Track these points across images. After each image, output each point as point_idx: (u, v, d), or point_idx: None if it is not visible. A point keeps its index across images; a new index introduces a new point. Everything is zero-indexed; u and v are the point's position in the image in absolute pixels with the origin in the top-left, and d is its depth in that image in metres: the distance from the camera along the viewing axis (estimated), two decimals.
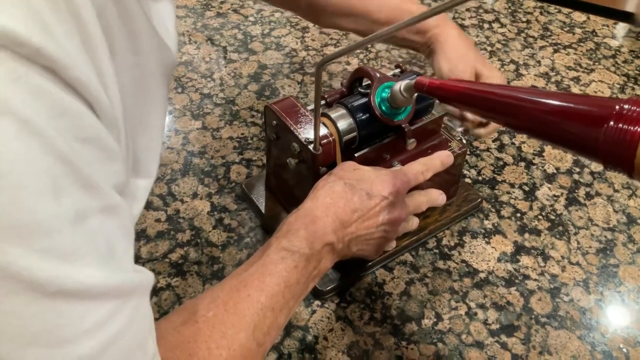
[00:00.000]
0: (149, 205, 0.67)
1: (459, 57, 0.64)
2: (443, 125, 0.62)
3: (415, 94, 0.50)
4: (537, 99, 0.39)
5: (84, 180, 0.26)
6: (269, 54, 0.90)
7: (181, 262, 0.61)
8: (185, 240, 0.63)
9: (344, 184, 0.50)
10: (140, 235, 0.64)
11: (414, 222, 0.56)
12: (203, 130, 0.77)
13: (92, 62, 0.27)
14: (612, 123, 0.33)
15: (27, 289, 0.24)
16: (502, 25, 0.98)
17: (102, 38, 0.28)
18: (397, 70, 0.60)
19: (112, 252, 0.28)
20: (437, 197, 0.56)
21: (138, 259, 0.61)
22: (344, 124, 0.53)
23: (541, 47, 0.93)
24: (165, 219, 0.65)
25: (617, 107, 0.33)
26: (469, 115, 0.63)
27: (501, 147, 0.76)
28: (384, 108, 0.53)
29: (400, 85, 0.50)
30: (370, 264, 0.60)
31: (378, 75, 0.53)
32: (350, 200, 0.49)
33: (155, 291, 0.58)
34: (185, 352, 0.37)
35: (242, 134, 0.76)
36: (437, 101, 0.59)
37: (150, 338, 0.32)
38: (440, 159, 0.55)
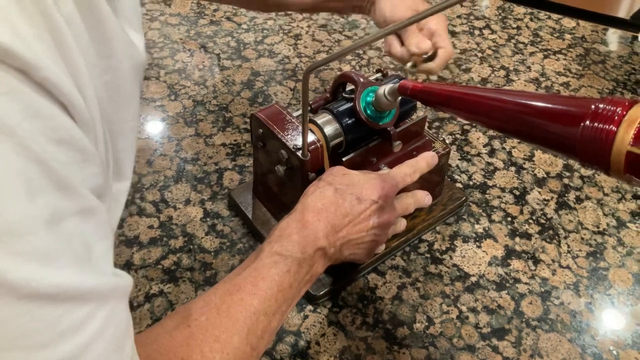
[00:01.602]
0: (141, 212, 0.67)
1: (400, 1, 0.64)
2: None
3: (399, 97, 0.51)
4: (518, 100, 0.40)
5: (59, 181, 0.26)
6: (261, 61, 0.90)
7: (174, 268, 0.62)
8: (178, 246, 0.64)
9: (334, 189, 0.50)
10: (133, 241, 0.64)
11: (402, 224, 0.57)
12: (196, 137, 0.77)
13: (65, 64, 0.27)
14: (588, 122, 0.34)
15: (1, 292, 0.23)
16: (493, 32, 0.99)
17: (75, 41, 0.28)
18: (379, 75, 0.60)
19: (88, 255, 0.28)
20: (423, 198, 0.57)
21: (131, 266, 0.61)
22: (330, 129, 0.54)
23: (531, 53, 0.94)
24: (158, 226, 0.66)
25: (593, 106, 0.34)
26: (413, 48, 0.63)
27: (492, 152, 0.77)
28: (369, 112, 0.53)
29: (385, 89, 0.51)
30: (361, 266, 0.61)
31: (362, 80, 0.54)
32: (341, 205, 0.50)
33: (148, 297, 0.59)
34: (178, 356, 0.37)
35: (235, 140, 0.77)
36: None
37: (127, 342, 0.31)
38: (426, 160, 0.56)
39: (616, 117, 0.33)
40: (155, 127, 0.78)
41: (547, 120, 0.37)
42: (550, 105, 0.38)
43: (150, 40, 0.94)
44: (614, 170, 0.34)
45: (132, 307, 0.58)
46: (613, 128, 0.33)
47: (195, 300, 0.42)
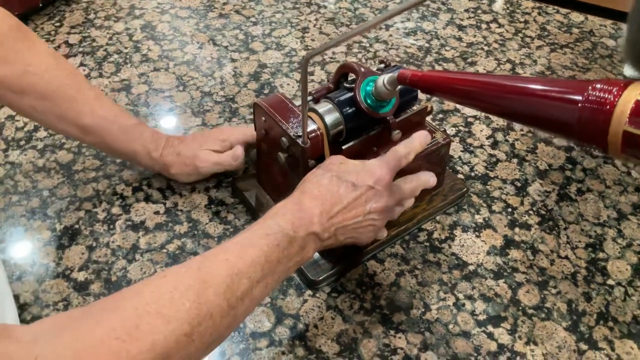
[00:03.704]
0: (148, 198, 0.69)
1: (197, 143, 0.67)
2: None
3: (399, 87, 0.52)
4: (517, 84, 0.41)
5: None
6: (269, 54, 0.92)
7: (178, 252, 0.63)
8: (183, 232, 0.65)
9: (330, 176, 0.52)
10: (139, 226, 0.66)
11: (409, 202, 0.58)
12: (203, 126, 0.79)
13: None
14: (586, 103, 0.35)
15: None
16: (500, 26, 0.99)
17: None
18: (382, 65, 0.61)
19: None
20: (428, 179, 0.58)
21: (136, 249, 0.63)
22: (330, 118, 0.55)
23: (538, 47, 0.94)
24: (164, 212, 0.68)
25: (590, 87, 0.34)
26: None
27: (495, 144, 0.77)
28: (369, 101, 0.54)
29: (384, 78, 0.52)
30: (364, 251, 0.62)
31: (363, 69, 0.55)
32: (336, 192, 0.51)
33: None
34: (145, 298, 0.37)
35: None
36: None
37: None
38: (419, 140, 0.56)
39: (612, 97, 0.34)
40: (163, 117, 0.80)
41: (547, 102, 0.38)
42: (549, 88, 0.39)
43: (160, 32, 0.96)
44: (611, 150, 0.34)
45: None
46: (609, 108, 0.34)
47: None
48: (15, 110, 0.63)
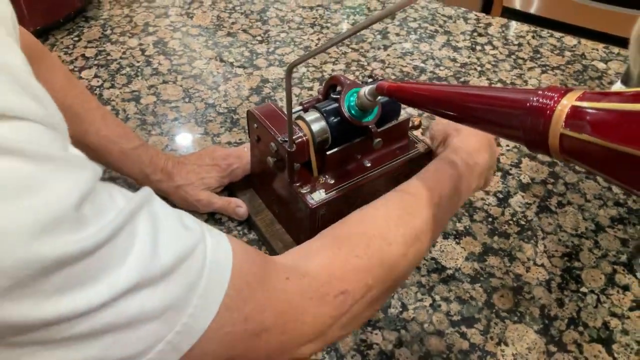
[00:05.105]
0: None
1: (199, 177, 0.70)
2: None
3: (379, 97, 0.56)
4: (475, 92, 0.45)
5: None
6: (271, 70, 0.97)
7: None
8: None
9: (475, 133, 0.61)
10: None
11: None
12: (205, 135, 0.84)
13: None
14: (530, 109, 0.38)
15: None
16: (494, 48, 1.03)
17: None
18: (370, 80, 0.66)
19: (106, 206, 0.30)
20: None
21: None
22: (317, 126, 0.59)
23: (530, 68, 0.98)
24: None
25: (535, 95, 0.38)
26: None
27: None
28: (352, 111, 0.59)
29: (365, 90, 0.56)
30: None
31: (348, 82, 0.59)
32: (483, 136, 0.60)
33: None
34: (362, 224, 0.47)
35: (240, 139, 0.83)
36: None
37: (185, 218, 0.35)
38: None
39: (552, 103, 0.37)
40: (168, 126, 0.86)
41: (499, 109, 0.42)
42: (501, 95, 0.42)
43: (171, 48, 1.02)
44: (552, 152, 0.38)
45: None
46: (549, 113, 0.37)
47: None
48: None
